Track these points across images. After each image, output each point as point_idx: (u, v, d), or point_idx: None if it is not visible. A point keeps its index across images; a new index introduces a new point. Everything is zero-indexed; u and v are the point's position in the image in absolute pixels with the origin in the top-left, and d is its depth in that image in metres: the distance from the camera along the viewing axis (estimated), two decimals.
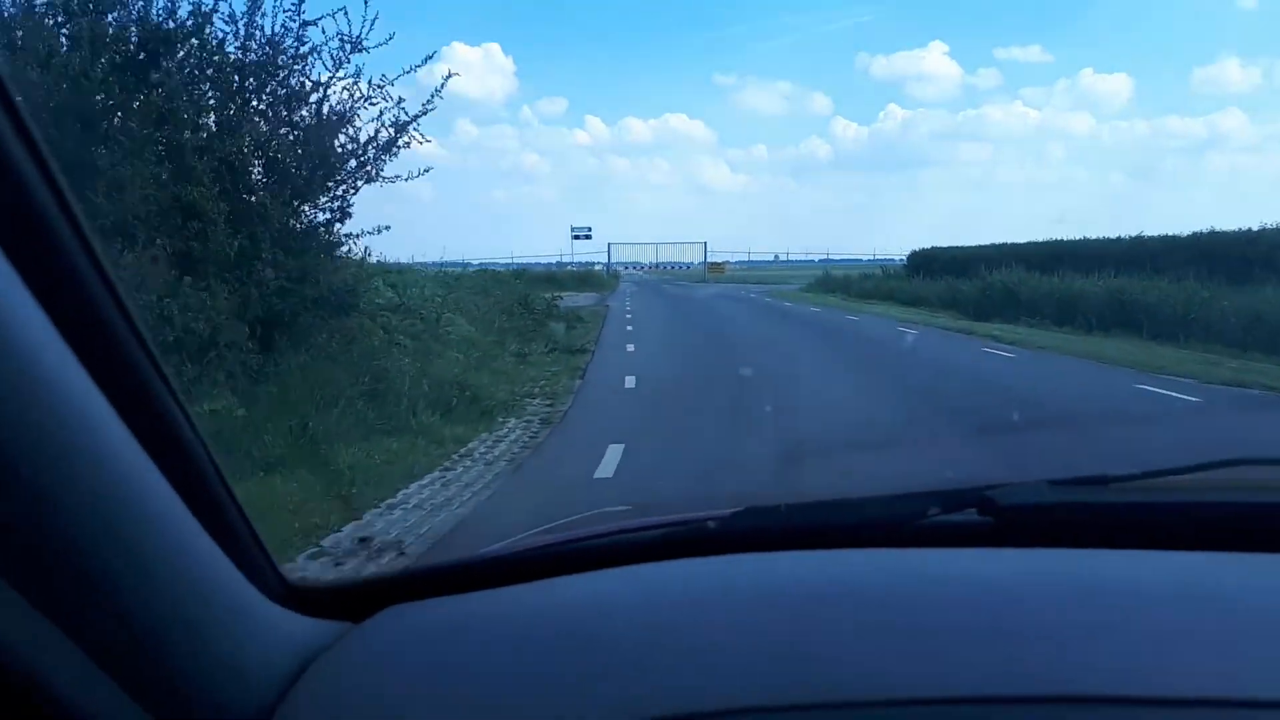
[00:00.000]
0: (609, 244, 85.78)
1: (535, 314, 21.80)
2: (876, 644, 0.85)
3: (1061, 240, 36.56)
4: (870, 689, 0.78)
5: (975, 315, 27.77)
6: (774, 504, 1.17)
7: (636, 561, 1.07)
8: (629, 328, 23.05)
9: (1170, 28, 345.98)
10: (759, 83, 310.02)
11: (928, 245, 48.03)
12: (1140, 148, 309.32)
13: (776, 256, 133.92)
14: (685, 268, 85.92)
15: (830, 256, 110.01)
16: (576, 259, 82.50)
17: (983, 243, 42.09)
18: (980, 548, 1.04)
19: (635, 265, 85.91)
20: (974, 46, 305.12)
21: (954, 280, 34.53)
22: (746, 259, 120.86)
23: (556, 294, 27.03)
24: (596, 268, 79.03)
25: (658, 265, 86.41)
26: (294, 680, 0.89)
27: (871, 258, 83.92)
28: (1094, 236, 35.91)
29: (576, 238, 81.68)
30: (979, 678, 0.79)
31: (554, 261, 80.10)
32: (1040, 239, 38.36)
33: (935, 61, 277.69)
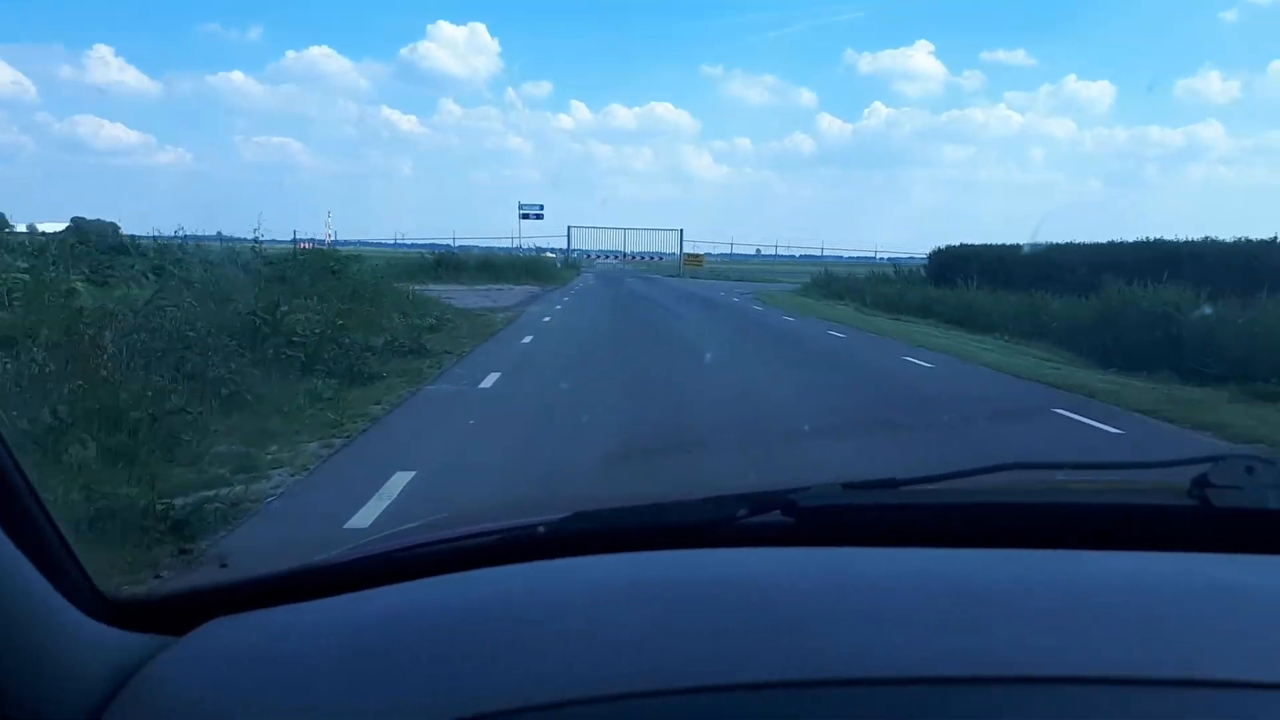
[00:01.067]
0: (568, 227, 73.83)
1: (296, 349, 10.60)
2: (679, 636, 0.90)
3: (1171, 240, 25.93)
4: (673, 678, 0.83)
5: (1089, 356, 16.83)
6: (599, 508, 1.24)
7: (467, 567, 1.09)
8: (487, 382, 11.44)
9: (1153, 37, 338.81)
10: (746, 75, 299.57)
11: (954, 242, 37.35)
12: (1120, 155, 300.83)
13: (758, 250, 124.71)
14: (660, 258, 75.39)
15: (824, 252, 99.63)
16: (536, 243, 71.12)
17: (1035, 240, 31.48)
18: (782, 546, 1.13)
19: (608, 254, 74.66)
20: (960, 47, 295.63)
21: (1034, 292, 23.47)
22: (729, 251, 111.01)
23: (479, 287, 16.29)
24: (567, 255, 67.99)
25: (629, 254, 75.28)
26: (111, 697, 0.89)
27: (874, 254, 73.24)
28: (1227, 238, 25.44)
29: (525, 217, 69.23)
30: (770, 663, 0.85)
31: (515, 246, 68.81)
32: (1131, 239, 27.76)
33: (921, 61, 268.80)
